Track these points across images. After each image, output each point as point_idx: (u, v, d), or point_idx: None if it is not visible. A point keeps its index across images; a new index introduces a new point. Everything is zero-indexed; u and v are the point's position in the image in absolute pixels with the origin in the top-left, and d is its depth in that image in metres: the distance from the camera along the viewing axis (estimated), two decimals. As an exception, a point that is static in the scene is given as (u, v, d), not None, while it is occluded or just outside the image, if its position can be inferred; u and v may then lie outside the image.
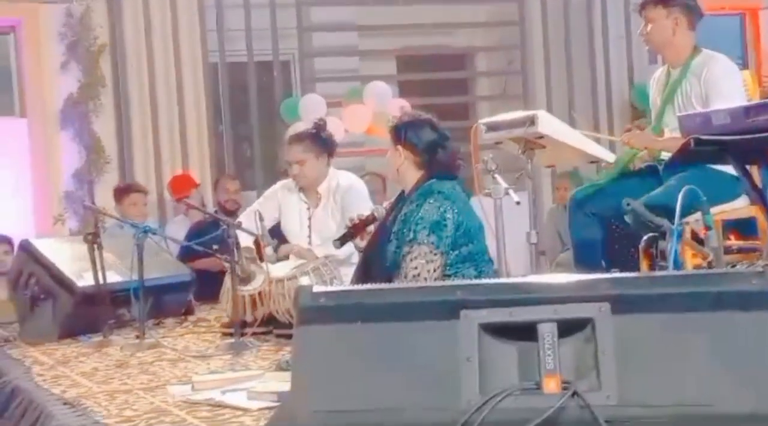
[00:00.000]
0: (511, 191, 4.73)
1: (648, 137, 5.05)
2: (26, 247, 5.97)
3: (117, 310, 5.67)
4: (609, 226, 4.94)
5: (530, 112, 4.99)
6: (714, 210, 3.95)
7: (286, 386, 2.85)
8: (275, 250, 5.72)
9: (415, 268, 4.54)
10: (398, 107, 7.34)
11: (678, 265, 3.55)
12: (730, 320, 2.35)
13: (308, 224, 5.85)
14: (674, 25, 5.01)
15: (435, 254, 4.55)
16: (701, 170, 4.49)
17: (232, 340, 4.94)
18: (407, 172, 4.79)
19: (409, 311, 2.46)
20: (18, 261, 6.07)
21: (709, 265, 3.64)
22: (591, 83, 9.65)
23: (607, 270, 4.36)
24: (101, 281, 5.37)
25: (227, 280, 5.21)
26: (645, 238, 3.77)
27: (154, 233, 5.41)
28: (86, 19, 8.36)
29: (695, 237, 4.05)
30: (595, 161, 5.30)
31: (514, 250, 4.85)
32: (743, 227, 5.31)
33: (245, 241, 5.28)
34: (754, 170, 4.60)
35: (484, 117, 5.88)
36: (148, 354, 4.90)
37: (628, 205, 3.84)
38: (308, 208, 5.87)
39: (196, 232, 7.25)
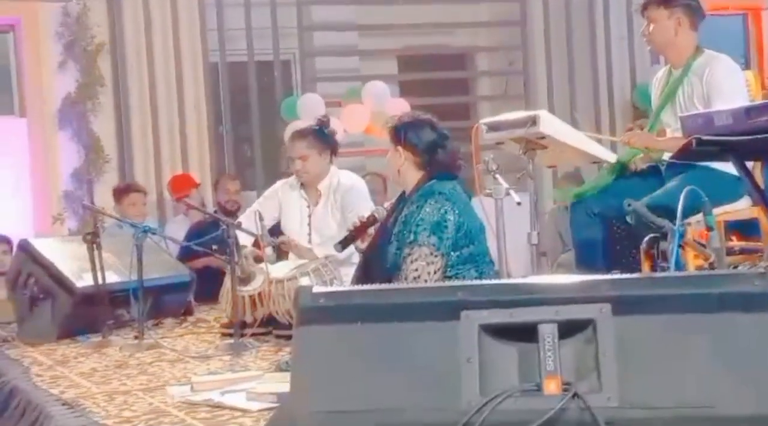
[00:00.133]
0: (512, 192, 4.71)
1: (648, 137, 5.04)
2: (25, 247, 5.97)
3: (116, 310, 5.67)
4: (611, 226, 4.93)
5: (532, 113, 4.97)
6: (716, 211, 3.94)
7: (285, 387, 2.83)
8: (275, 251, 5.70)
9: (416, 269, 4.53)
10: (396, 107, 7.32)
11: (680, 266, 3.53)
12: (732, 322, 2.34)
13: (308, 222, 5.84)
14: (676, 25, 5.00)
15: (435, 256, 4.54)
16: (703, 171, 4.48)
17: (232, 341, 4.94)
18: (408, 172, 4.78)
19: (410, 312, 2.45)
20: (17, 261, 6.07)
21: (711, 267, 3.63)
22: (593, 84, 9.64)
23: (609, 271, 4.35)
24: (100, 281, 5.36)
25: (227, 281, 5.20)
26: (646, 238, 3.76)
27: (154, 233, 5.40)
28: (83, 18, 8.34)
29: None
30: (597, 162, 5.28)
31: (515, 250, 4.83)
32: (745, 228, 5.30)
33: (246, 243, 5.28)
34: (757, 171, 4.59)
35: (485, 117, 5.85)
36: (147, 354, 4.90)
37: (629, 205, 3.83)
38: (308, 206, 5.86)
39: (195, 232, 7.24)
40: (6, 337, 5.80)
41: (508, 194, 4.69)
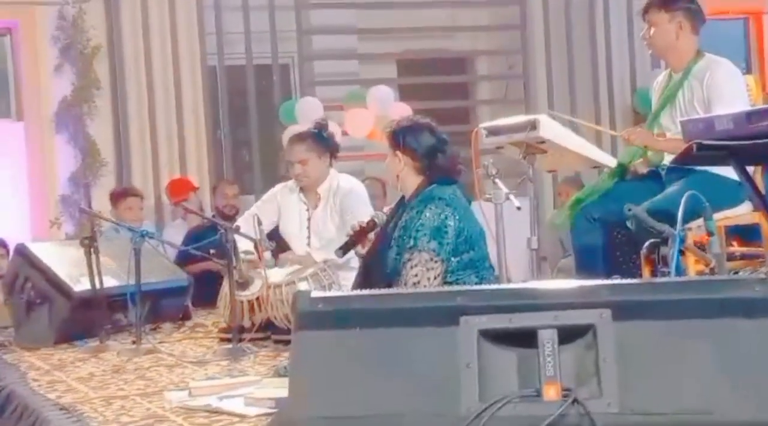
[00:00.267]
0: (512, 196, 4.70)
1: (648, 135, 5.03)
2: (22, 251, 5.95)
3: (113, 314, 5.65)
4: (611, 231, 4.92)
5: (531, 117, 4.97)
6: (717, 216, 3.92)
7: (283, 392, 2.83)
8: (273, 253, 5.69)
9: (416, 275, 4.51)
10: (400, 111, 7.31)
11: (680, 271, 3.52)
12: (733, 327, 2.34)
13: (307, 225, 5.83)
14: (677, 29, 5.00)
15: (435, 261, 4.52)
16: (704, 176, 4.47)
17: (230, 346, 4.92)
18: (407, 177, 4.76)
19: (409, 317, 2.44)
20: (14, 265, 6.04)
21: (712, 272, 3.61)
22: (593, 88, 9.63)
23: (609, 276, 4.33)
24: (98, 286, 5.35)
25: (225, 285, 5.19)
26: (647, 244, 3.74)
27: (152, 237, 5.38)
28: (79, 22, 8.32)
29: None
30: (597, 166, 5.27)
31: (514, 255, 4.83)
32: (746, 233, 5.30)
33: (246, 248, 5.27)
34: (758, 176, 4.57)
35: (485, 121, 5.84)
36: (145, 359, 4.88)
37: (629, 210, 3.81)
38: (307, 209, 5.85)
39: (193, 237, 7.23)
40: (3, 341, 5.78)
41: (507, 199, 4.69)
